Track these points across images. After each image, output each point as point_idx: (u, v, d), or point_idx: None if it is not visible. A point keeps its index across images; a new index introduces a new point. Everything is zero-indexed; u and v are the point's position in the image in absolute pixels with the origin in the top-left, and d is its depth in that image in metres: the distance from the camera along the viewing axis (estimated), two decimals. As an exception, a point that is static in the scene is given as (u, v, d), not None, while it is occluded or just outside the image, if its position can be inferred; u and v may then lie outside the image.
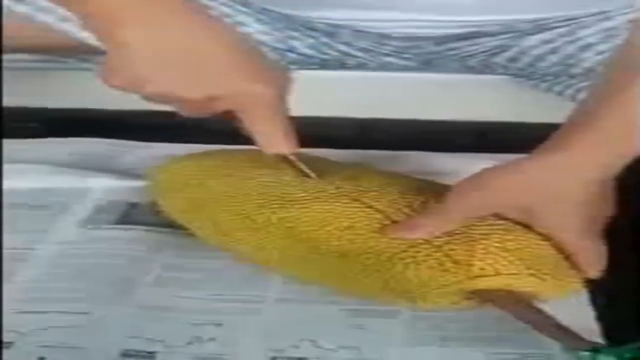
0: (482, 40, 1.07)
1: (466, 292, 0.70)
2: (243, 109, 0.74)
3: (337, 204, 0.74)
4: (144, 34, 0.69)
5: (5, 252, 0.79)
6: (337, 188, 0.76)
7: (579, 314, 0.72)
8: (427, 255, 0.70)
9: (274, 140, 0.75)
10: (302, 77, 1.08)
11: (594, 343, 0.67)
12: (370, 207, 0.74)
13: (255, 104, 0.73)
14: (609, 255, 0.72)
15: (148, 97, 0.73)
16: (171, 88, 0.71)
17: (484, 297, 0.70)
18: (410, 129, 1.06)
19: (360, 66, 1.11)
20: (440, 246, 0.70)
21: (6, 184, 0.88)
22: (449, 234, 0.71)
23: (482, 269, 0.69)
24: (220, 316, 0.73)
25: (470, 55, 1.09)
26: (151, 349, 0.69)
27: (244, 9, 1.07)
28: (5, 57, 1.00)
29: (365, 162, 0.93)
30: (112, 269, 0.79)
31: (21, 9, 1.00)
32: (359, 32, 1.07)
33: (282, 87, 0.75)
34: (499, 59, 1.09)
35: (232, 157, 0.84)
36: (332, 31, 1.08)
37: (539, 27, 1.05)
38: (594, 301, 0.74)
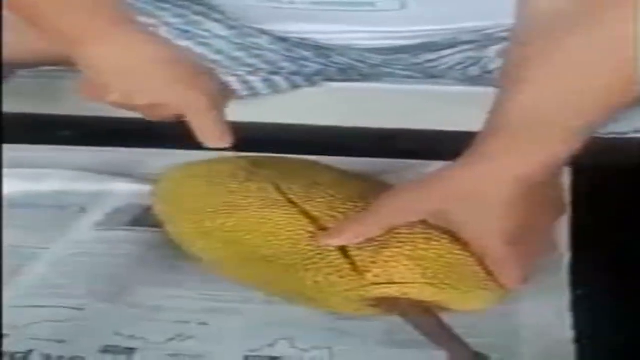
0: (449, 52, 1.04)
1: (368, 299, 0.67)
2: (183, 112, 0.80)
3: (269, 210, 0.73)
4: (100, 52, 0.79)
5: (19, 250, 0.80)
6: (282, 194, 0.74)
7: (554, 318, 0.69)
8: (330, 262, 0.68)
9: (210, 137, 0.80)
10: (324, 89, 1.09)
11: (483, 356, 0.63)
12: (304, 212, 0.72)
13: (191, 107, 0.80)
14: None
15: (111, 105, 0.81)
16: (124, 97, 0.80)
17: (388, 305, 0.67)
18: (430, 139, 1.04)
19: (373, 77, 1.10)
20: (348, 252, 0.68)
21: (30, 187, 0.89)
22: (370, 240, 0.68)
23: (376, 276, 0.67)
24: (206, 315, 0.72)
25: (450, 67, 1.07)
26: (131, 346, 0.68)
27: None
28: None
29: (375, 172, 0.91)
30: (115, 268, 0.79)
31: None
32: (343, 46, 1.06)
33: (214, 93, 0.81)
34: (474, 72, 1.06)
35: (212, 166, 0.83)
36: (320, 45, 1.07)
37: (486, 37, 1.02)
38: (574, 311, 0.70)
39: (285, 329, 0.69)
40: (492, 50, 1.03)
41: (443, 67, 1.07)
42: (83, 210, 0.88)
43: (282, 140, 1.00)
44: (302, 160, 0.84)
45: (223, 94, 0.83)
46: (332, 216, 0.71)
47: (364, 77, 1.12)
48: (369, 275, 0.67)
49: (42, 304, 0.73)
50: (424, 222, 0.69)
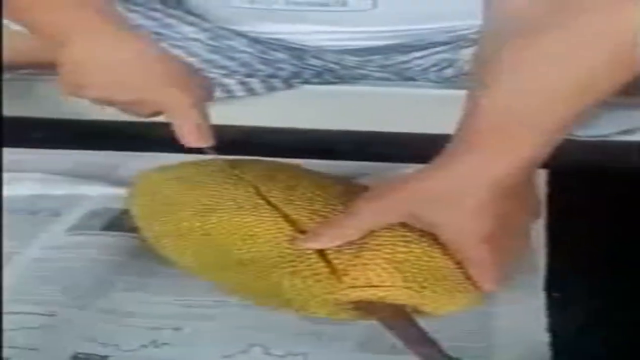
0: (421, 53, 1.04)
1: (345, 303, 0.66)
2: (164, 109, 0.80)
3: (249, 212, 0.71)
4: (85, 47, 0.79)
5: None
6: (261, 196, 0.73)
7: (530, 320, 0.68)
8: (307, 265, 0.66)
9: (190, 135, 0.79)
10: (299, 91, 1.08)
11: (452, 358, 0.62)
12: (283, 215, 0.70)
13: (173, 105, 0.79)
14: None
15: (91, 101, 0.81)
16: (106, 93, 0.80)
17: (364, 308, 0.66)
18: (406, 142, 1.02)
19: (350, 79, 1.09)
20: (326, 255, 0.67)
21: (4, 191, 0.86)
22: (349, 243, 0.67)
23: (354, 279, 0.65)
24: (180, 321, 0.70)
25: (424, 69, 1.06)
26: (104, 353, 0.66)
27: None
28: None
29: (357, 174, 0.90)
30: (88, 273, 0.76)
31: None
32: (318, 47, 1.05)
33: (197, 92, 0.80)
34: (449, 74, 1.05)
35: (190, 168, 0.82)
36: (295, 47, 1.06)
37: (457, 38, 1.01)
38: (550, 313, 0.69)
39: (259, 334, 0.68)
40: (467, 52, 1.02)
41: (417, 68, 1.07)
42: (56, 214, 0.87)
43: (258, 143, 0.98)
44: (282, 163, 0.83)
45: (206, 93, 0.83)
46: (312, 219, 0.70)
47: (340, 80, 1.11)
48: (346, 279, 0.66)
49: (13, 310, 0.71)
50: (403, 225, 0.68)
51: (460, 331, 0.68)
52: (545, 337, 0.66)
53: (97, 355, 0.66)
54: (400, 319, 0.65)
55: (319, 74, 1.11)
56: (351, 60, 1.07)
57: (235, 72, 1.08)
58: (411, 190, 0.67)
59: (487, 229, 0.65)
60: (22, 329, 0.69)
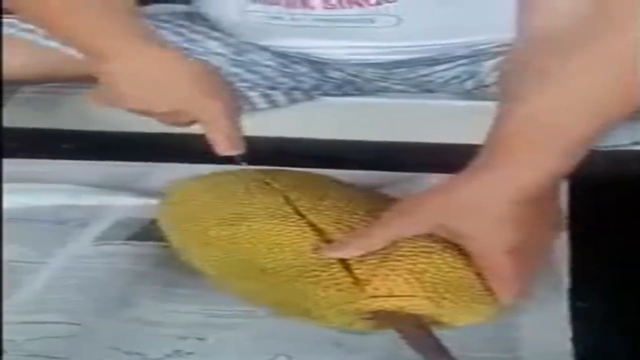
0: (445, 66, 1.03)
1: (364, 313, 0.65)
2: (199, 119, 0.83)
3: (278, 221, 0.71)
4: (124, 65, 0.82)
5: (18, 265, 0.77)
6: (291, 205, 0.72)
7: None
8: (330, 274, 0.66)
9: (222, 144, 0.81)
10: (319, 103, 1.07)
11: None
12: (310, 224, 0.70)
13: (207, 115, 0.82)
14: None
15: (129, 111, 0.84)
16: (144, 104, 0.83)
17: (383, 318, 0.65)
18: (427, 153, 1.02)
19: (370, 92, 1.09)
20: (349, 265, 0.66)
21: (30, 201, 0.87)
22: (372, 253, 0.66)
23: (376, 289, 0.64)
24: (205, 330, 0.69)
25: (446, 82, 1.05)
26: (129, 361, 0.66)
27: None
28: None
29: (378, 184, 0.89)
30: (114, 283, 0.76)
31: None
32: (339, 61, 1.05)
33: (229, 102, 0.83)
34: (469, 86, 1.05)
35: (221, 178, 0.81)
36: (318, 60, 1.06)
37: (478, 52, 1.01)
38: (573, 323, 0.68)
39: (284, 344, 0.67)
40: (487, 65, 1.02)
41: (439, 81, 1.06)
42: (83, 224, 0.86)
43: (281, 154, 0.98)
44: (311, 174, 0.83)
45: (239, 104, 0.86)
46: (338, 228, 0.70)
47: (360, 92, 1.10)
48: (368, 288, 0.65)
49: (39, 319, 0.71)
50: (427, 235, 0.67)
51: (484, 342, 0.67)
52: (568, 348, 0.65)
53: (122, 364, 0.65)
54: (417, 330, 0.64)
55: (339, 87, 1.10)
56: (372, 73, 1.06)
57: (258, 85, 1.08)
58: (439, 201, 0.67)
59: (512, 241, 0.65)
60: (48, 338, 0.68)
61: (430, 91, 1.09)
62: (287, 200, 0.73)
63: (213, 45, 1.07)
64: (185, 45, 1.06)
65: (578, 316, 0.68)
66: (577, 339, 0.66)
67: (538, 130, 0.64)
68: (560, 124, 0.63)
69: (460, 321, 0.66)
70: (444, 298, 0.65)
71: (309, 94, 1.10)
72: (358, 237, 0.68)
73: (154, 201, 0.88)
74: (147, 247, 0.81)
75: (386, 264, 0.66)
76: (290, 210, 0.72)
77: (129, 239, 0.83)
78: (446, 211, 0.66)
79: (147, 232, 0.84)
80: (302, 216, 0.71)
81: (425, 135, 1.00)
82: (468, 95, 1.07)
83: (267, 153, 0.93)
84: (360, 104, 1.09)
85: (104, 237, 0.84)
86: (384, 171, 0.94)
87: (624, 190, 0.75)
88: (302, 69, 1.07)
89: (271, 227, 0.71)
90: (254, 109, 1.07)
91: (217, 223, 0.74)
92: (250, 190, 0.76)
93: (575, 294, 0.70)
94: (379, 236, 0.67)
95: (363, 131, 1.04)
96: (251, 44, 1.07)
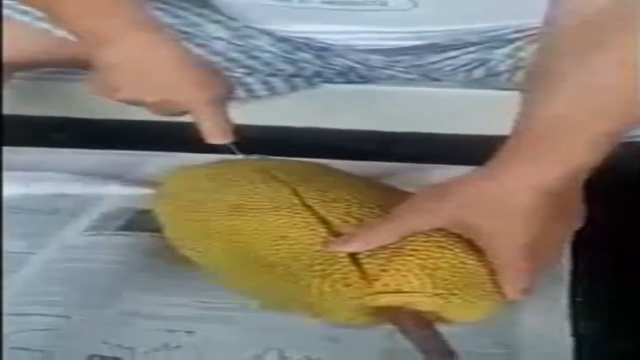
0: (453, 53, 1.03)
1: (368, 308, 0.66)
2: (189, 108, 0.86)
3: (285, 213, 0.71)
4: (118, 52, 0.84)
5: (7, 256, 0.77)
6: (298, 197, 0.72)
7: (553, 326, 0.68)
8: (338, 269, 0.66)
9: (212, 132, 0.85)
10: (323, 91, 1.08)
11: None
12: (318, 217, 0.70)
13: (191, 103, 0.85)
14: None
15: (120, 101, 0.87)
16: (135, 94, 0.86)
17: (388, 315, 0.65)
18: (433, 143, 1.02)
19: (373, 79, 1.09)
20: (358, 260, 0.66)
21: (21, 190, 0.88)
22: (382, 247, 0.66)
23: (385, 284, 0.65)
24: (195, 324, 0.70)
25: (453, 70, 1.05)
26: (116, 355, 0.66)
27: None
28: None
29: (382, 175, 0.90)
30: (105, 274, 0.77)
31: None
32: (346, 47, 1.05)
33: (218, 91, 0.87)
34: (478, 74, 1.04)
35: (221, 168, 0.82)
36: (323, 46, 1.06)
37: (492, 39, 1.01)
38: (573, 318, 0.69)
39: (275, 338, 0.68)
40: (499, 52, 1.02)
41: (447, 69, 1.06)
42: (74, 214, 0.87)
43: (279, 143, 0.98)
44: (317, 164, 0.83)
45: (226, 92, 0.89)
46: (347, 222, 0.70)
47: (363, 80, 1.10)
48: (377, 284, 0.65)
49: (28, 312, 0.72)
50: (438, 230, 0.68)
51: (484, 338, 0.67)
52: (569, 342, 0.66)
53: (110, 357, 0.66)
54: (421, 328, 0.65)
55: (341, 74, 1.10)
56: (378, 60, 1.06)
57: (257, 71, 1.09)
58: (459, 196, 0.68)
59: (530, 236, 0.65)
60: (37, 330, 0.69)
61: (436, 79, 1.09)
62: (294, 192, 0.73)
63: (213, 29, 1.07)
64: (185, 29, 1.06)
65: (578, 311, 0.69)
66: (577, 334, 0.66)
67: (564, 128, 0.65)
68: (587, 120, 0.64)
69: (464, 317, 0.67)
70: (453, 294, 0.65)
71: (310, 81, 1.10)
72: (368, 230, 0.68)
73: (144, 191, 0.90)
74: (137, 238, 0.82)
75: (397, 259, 0.66)
76: (297, 202, 0.72)
77: (120, 229, 0.84)
78: (465, 205, 0.67)
79: (139, 222, 0.85)
80: (309, 208, 0.71)
81: (430, 124, 1.01)
82: (476, 83, 1.07)
83: (266, 141, 0.94)
84: (362, 92, 1.10)
85: (95, 228, 0.85)
86: (385, 162, 0.95)
87: (626, 184, 0.75)
88: (305, 55, 1.07)
89: (276, 219, 0.71)
90: (252, 96, 1.08)
91: (219, 213, 0.74)
92: (253, 180, 0.76)
93: (576, 289, 0.71)
94: (391, 230, 0.67)
95: (364, 120, 1.05)
96: (254, 28, 1.07)
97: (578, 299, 0.69)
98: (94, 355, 0.66)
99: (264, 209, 0.72)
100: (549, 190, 0.65)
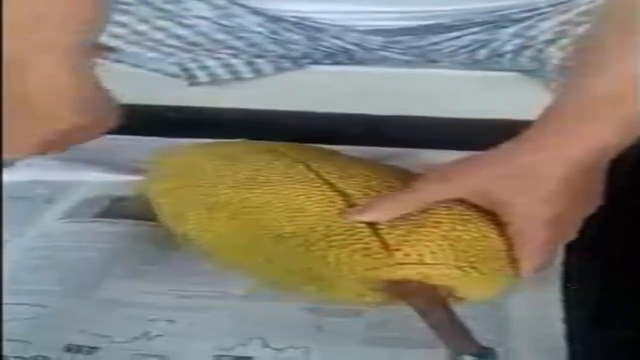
0: (456, 34, 1.01)
1: (381, 282, 0.65)
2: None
3: (300, 185, 0.70)
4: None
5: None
6: (314, 172, 0.72)
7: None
8: (358, 239, 0.65)
9: None
10: (310, 72, 1.06)
11: (492, 350, 0.61)
12: (337, 190, 0.69)
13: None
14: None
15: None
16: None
17: (400, 291, 0.65)
18: (422, 126, 1.01)
19: (366, 61, 1.06)
20: (379, 230, 0.65)
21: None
22: (402, 218, 0.66)
23: (406, 255, 0.64)
24: (176, 312, 0.69)
25: (453, 51, 1.03)
26: (95, 344, 0.66)
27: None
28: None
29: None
30: (85, 262, 0.76)
31: None
32: (341, 27, 1.03)
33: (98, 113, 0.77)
34: (482, 55, 1.03)
35: (225, 147, 0.81)
36: (316, 26, 1.04)
37: (501, 18, 1.00)
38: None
39: (259, 327, 0.67)
40: (506, 32, 1.01)
41: (447, 50, 1.05)
42: (50, 201, 0.86)
43: (269, 126, 0.97)
44: (328, 149, 0.82)
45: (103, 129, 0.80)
46: (367, 194, 0.69)
47: (352, 61, 1.09)
48: (398, 254, 0.65)
49: (6, 300, 0.70)
50: (460, 203, 0.67)
51: (474, 322, 0.66)
52: (560, 328, 0.66)
53: (87, 346, 0.65)
54: (435, 305, 0.64)
55: (331, 55, 1.09)
56: (375, 40, 1.05)
57: (243, 52, 1.07)
58: (486, 166, 0.68)
59: (555, 212, 0.66)
60: (14, 320, 0.68)
61: (434, 61, 1.08)
62: (308, 168, 0.72)
63: (198, 7, 1.04)
64: (167, 7, 1.05)
65: (570, 296, 0.68)
66: (569, 320, 0.66)
67: (594, 102, 0.65)
68: (620, 100, 0.65)
69: (480, 294, 0.67)
70: (474, 268, 0.65)
71: (298, 62, 1.09)
72: (386, 200, 0.68)
73: (123, 177, 0.89)
74: (116, 225, 0.81)
75: (419, 230, 0.65)
76: (312, 176, 0.71)
77: (98, 216, 0.83)
78: (494, 178, 0.67)
79: (117, 209, 0.84)
80: (327, 182, 0.70)
81: (422, 107, 1.00)
82: (478, 64, 1.05)
83: (250, 125, 0.93)
84: (352, 73, 1.08)
85: (72, 214, 0.84)
86: (373, 147, 0.94)
87: (620, 170, 0.75)
88: (295, 36, 1.06)
89: (292, 192, 0.70)
90: (237, 77, 1.07)
91: (228, 187, 0.73)
92: (263, 157, 0.75)
93: (568, 273, 0.70)
94: (410, 200, 0.67)
95: (354, 103, 1.04)
96: (243, 6, 1.06)
97: (570, 285, 0.69)
98: (72, 345, 0.66)
99: (277, 182, 0.71)
100: (580, 164, 0.65)
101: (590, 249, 0.70)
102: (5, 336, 0.66)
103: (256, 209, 0.70)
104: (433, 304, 0.64)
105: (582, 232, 0.67)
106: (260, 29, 1.06)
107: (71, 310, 0.70)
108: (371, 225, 0.66)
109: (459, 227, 0.66)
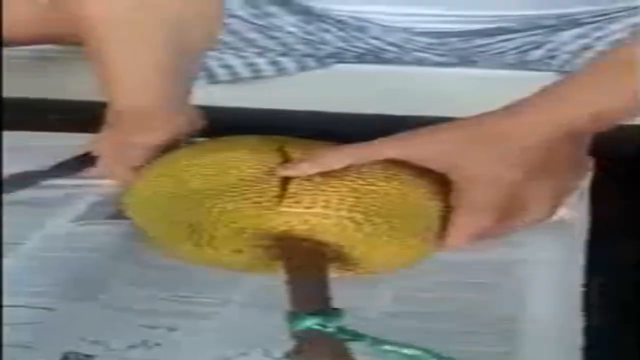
0: (512, 36, 1.01)
1: (266, 236, 0.64)
2: None
3: (246, 151, 0.71)
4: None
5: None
6: (280, 151, 0.71)
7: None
8: (257, 189, 0.65)
9: None
10: (338, 71, 1.06)
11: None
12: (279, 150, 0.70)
13: None
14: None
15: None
16: None
17: (279, 246, 0.64)
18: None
19: (395, 61, 1.06)
20: (289, 183, 0.65)
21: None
22: (329, 173, 0.65)
23: (297, 202, 0.64)
24: (177, 319, 0.68)
25: (501, 52, 1.03)
26: (91, 352, 0.65)
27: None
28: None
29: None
30: (93, 265, 0.76)
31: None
32: (386, 27, 1.03)
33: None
34: (534, 56, 1.02)
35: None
36: (361, 25, 1.03)
37: (568, 22, 1.00)
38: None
39: (260, 335, 0.66)
40: (566, 34, 1.01)
41: (494, 52, 1.04)
42: (61, 202, 0.86)
43: (286, 126, 0.96)
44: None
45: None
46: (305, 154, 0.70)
47: (379, 61, 1.07)
48: (287, 201, 0.64)
49: (11, 303, 0.70)
50: (404, 164, 0.67)
51: (485, 334, 0.65)
52: (579, 341, 0.64)
53: (83, 354, 0.64)
54: (313, 268, 0.62)
55: (360, 56, 1.08)
56: (421, 42, 1.03)
57: (271, 50, 1.06)
58: (449, 130, 0.69)
59: (513, 177, 0.66)
60: (16, 324, 0.68)
61: (471, 62, 1.07)
62: (280, 148, 0.72)
63: (233, 4, 1.04)
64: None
65: (590, 307, 0.66)
66: (589, 332, 0.64)
67: (591, 76, 0.67)
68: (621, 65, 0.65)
69: (380, 257, 0.65)
70: (371, 221, 0.63)
71: (323, 61, 1.08)
72: (317, 155, 0.68)
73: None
74: (127, 227, 0.80)
75: (332, 180, 0.65)
76: (276, 153, 0.71)
77: (110, 217, 0.83)
78: (453, 140, 0.68)
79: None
80: (283, 152, 0.70)
81: (443, 108, 0.98)
82: (523, 66, 1.04)
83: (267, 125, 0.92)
84: (380, 73, 1.07)
85: (83, 217, 0.84)
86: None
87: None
88: (327, 36, 1.05)
89: (239, 156, 0.70)
90: (259, 76, 1.06)
91: (191, 156, 0.74)
92: (247, 145, 0.74)
93: (589, 283, 0.68)
94: (340, 155, 0.67)
95: (379, 103, 1.03)
96: (323, 9, 1.04)
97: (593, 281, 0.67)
98: (69, 353, 0.65)
99: (234, 151, 0.71)
100: (568, 129, 0.65)
101: (614, 242, 0.69)
102: (8, 341, 0.66)
103: (196, 169, 0.71)
104: (312, 266, 0.62)
105: (609, 233, 0.66)
106: (293, 29, 1.04)
107: (75, 315, 0.69)
108: (285, 179, 0.66)
109: (379, 183, 0.64)
